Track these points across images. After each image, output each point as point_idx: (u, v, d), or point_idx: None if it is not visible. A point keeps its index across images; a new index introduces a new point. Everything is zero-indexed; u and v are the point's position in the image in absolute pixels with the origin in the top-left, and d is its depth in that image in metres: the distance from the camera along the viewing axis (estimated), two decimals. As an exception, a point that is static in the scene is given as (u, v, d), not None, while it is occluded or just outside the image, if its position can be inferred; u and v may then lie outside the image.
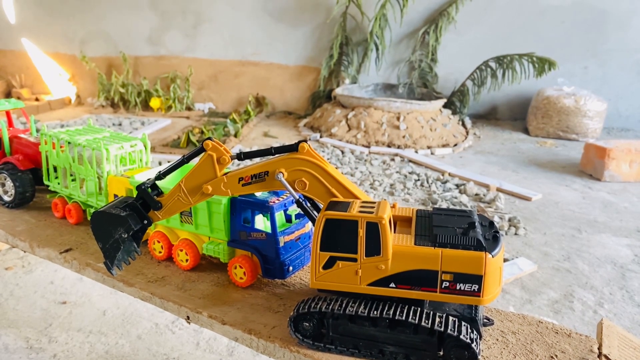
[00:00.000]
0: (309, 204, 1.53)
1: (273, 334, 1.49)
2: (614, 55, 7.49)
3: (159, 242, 1.94)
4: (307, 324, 1.40)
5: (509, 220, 4.02)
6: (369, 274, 1.33)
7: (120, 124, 7.49)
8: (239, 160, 1.57)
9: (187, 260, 1.87)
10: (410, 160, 5.85)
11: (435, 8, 7.83)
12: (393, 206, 1.52)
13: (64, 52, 9.62)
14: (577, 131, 6.95)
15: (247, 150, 5.47)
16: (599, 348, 1.44)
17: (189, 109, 8.79)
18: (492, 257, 1.25)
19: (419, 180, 5.05)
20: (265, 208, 1.67)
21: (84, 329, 2.64)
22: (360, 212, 1.32)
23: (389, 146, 6.36)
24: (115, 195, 2.05)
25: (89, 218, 2.26)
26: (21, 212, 2.42)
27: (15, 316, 2.73)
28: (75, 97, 9.65)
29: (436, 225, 1.36)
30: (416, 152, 6.18)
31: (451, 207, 4.23)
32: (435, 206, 1.76)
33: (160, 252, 1.95)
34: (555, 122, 6.99)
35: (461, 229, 1.31)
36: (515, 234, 3.81)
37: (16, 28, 9.77)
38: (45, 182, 2.38)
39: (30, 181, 2.42)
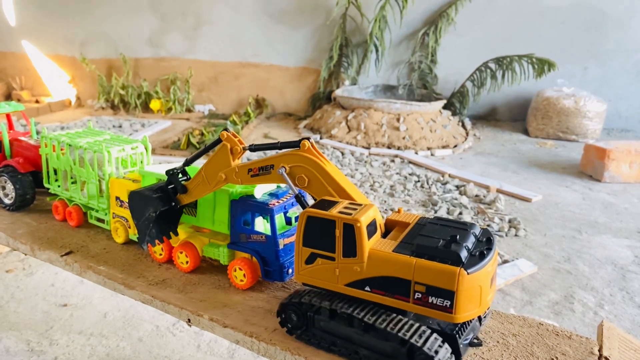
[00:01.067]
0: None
1: (274, 336, 1.49)
2: (613, 56, 7.50)
3: (159, 244, 1.94)
4: (293, 315, 1.44)
5: (509, 221, 4.02)
6: (346, 274, 1.34)
7: (120, 126, 7.50)
8: (250, 151, 1.65)
9: (187, 263, 1.87)
10: (410, 162, 5.86)
11: (434, 9, 7.84)
12: (398, 211, 1.52)
13: (64, 54, 9.63)
14: (577, 132, 6.96)
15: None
16: (600, 350, 1.45)
17: (189, 110, 8.80)
18: (468, 274, 1.19)
19: (419, 181, 5.05)
20: (265, 210, 1.67)
21: (85, 331, 2.64)
22: (341, 212, 1.33)
23: (389, 147, 6.36)
24: (117, 198, 2.06)
25: (90, 220, 2.28)
26: (22, 215, 2.42)
27: (16, 319, 2.73)
28: (75, 99, 9.66)
29: (423, 235, 1.33)
30: (416, 153, 6.18)
31: (451, 209, 4.23)
32: (439, 215, 1.74)
33: (160, 255, 1.96)
34: (555, 123, 7.00)
35: (444, 241, 1.27)
36: (516, 235, 3.82)
37: (16, 30, 9.79)
38: (46, 185, 2.38)
39: (31, 184, 2.42)
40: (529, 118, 7.33)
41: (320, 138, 6.81)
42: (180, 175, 1.78)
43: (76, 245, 2.12)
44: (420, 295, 1.24)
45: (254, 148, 1.65)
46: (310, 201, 1.57)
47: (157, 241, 1.84)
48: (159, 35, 9.10)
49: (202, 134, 6.71)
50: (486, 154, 6.30)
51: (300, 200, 1.53)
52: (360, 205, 1.38)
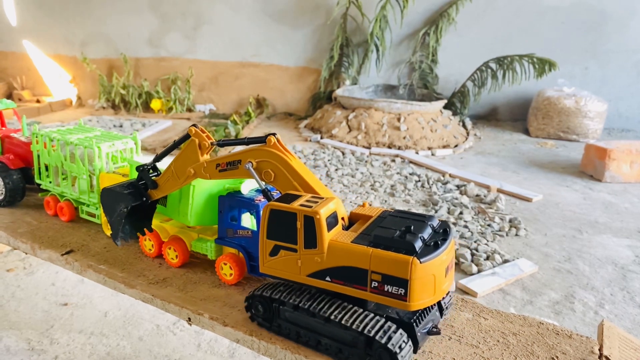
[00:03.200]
0: None
1: (274, 335, 1.50)
2: (613, 56, 7.49)
3: (149, 239, 1.99)
4: (260, 307, 1.50)
5: (510, 221, 4.02)
6: (308, 265, 1.38)
7: (121, 126, 7.50)
8: (218, 147, 1.68)
9: (176, 257, 1.91)
10: (410, 162, 5.86)
11: (435, 9, 7.84)
12: (363, 205, 1.56)
13: (65, 54, 9.63)
14: (577, 132, 6.95)
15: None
16: (600, 349, 1.45)
17: (189, 110, 8.80)
18: (421, 262, 1.23)
19: (419, 181, 5.05)
20: (251, 206, 1.71)
21: (86, 330, 2.64)
22: (302, 205, 1.37)
23: (389, 147, 6.36)
24: None
25: (81, 215, 2.31)
26: (23, 214, 2.42)
27: (17, 318, 2.73)
28: (76, 98, 9.67)
29: (382, 226, 1.37)
30: (417, 153, 6.18)
31: (452, 208, 4.23)
32: (400, 209, 1.79)
33: (150, 250, 2.00)
34: (555, 122, 7.00)
35: (400, 232, 1.31)
36: (516, 234, 3.81)
37: (17, 30, 9.79)
38: (37, 181, 2.42)
39: (21, 180, 2.46)
40: (530, 118, 7.33)
41: (321, 138, 6.81)
42: (150, 171, 1.81)
43: (77, 244, 2.12)
44: (376, 284, 1.28)
45: (221, 143, 1.68)
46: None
47: (132, 239, 1.87)
48: (159, 35, 9.10)
49: (203, 134, 6.69)
50: (487, 153, 6.30)
51: (267, 195, 1.56)
52: (321, 198, 1.42)
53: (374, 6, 7.68)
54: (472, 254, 3.43)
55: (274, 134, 1.55)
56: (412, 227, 1.32)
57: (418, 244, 1.27)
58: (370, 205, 1.60)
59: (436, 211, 4.18)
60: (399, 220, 1.40)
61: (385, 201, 4.48)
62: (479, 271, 3.22)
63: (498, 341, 1.48)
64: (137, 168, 1.81)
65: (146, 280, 1.84)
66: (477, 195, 4.65)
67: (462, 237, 3.73)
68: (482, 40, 7.74)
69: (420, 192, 4.75)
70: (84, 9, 9.24)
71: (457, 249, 3.47)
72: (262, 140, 1.57)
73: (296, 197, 1.44)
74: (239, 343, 1.55)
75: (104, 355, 2.46)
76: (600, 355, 1.42)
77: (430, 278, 1.26)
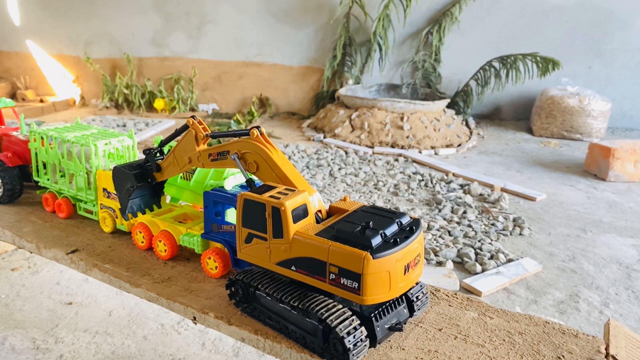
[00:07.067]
0: None
1: (280, 334, 1.50)
2: (617, 55, 7.47)
3: (140, 232, 2.04)
4: (240, 290, 1.58)
5: (514, 220, 4.01)
6: (276, 254, 1.43)
7: (124, 125, 7.51)
8: (212, 139, 1.78)
9: (165, 251, 1.96)
10: (414, 161, 5.85)
11: (438, 8, 7.83)
12: (344, 199, 1.59)
13: (68, 54, 9.66)
14: (581, 131, 6.93)
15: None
16: (606, 348, 1.44)
17: (192, 109, 8.81)
18: (374, 258, 1.25)
19: (422, 180, 5.05)
20: (234, 202, 1.73)
21: (90, 329, 2.65)
22: (272, 197, 1.41)
23: (392, 146, 6.36)
24: (104, 189, 2.15)
25: (78, 212, 2.35)
26: (27, 213, 2.43)
27: (22, 317, 2.74)
28: (79, 98, 9.69)
29: (347, 221, 1.40)
30: (420, 152, 6.17)
31: (455, 208, 4.23)
32: (376, 205, 1.81)
33: (142, 242, 2.05)
34: (559, 122, 6.98)
35: (361, 227, 1.33)
36: (520, 234, 3.81)
37: (21, 30, 9.82)
38: (35, 178, 2.44)
39: (19, 177, 2.49)
40: (533, 117, 7.31)
41: (324, 137, 6.81)
42: (157, 155, 1.93)
43: (82, 243, 2.12)
44: (334, 276, 1.32)
45: (212, 135, 1.77)
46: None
47: (139, 213, 2.00)
48: (163, 35, 9.12)
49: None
50: (490, 153, 6.28)
51: (251, 185, 1.61)
52: (293, 191, 1.46)
53: (377, 5, 7.67)
54: (476, 253, 3.42)
55: (257, 127, 1.62)
56: (372, 223, 1.34)
57: (376, 240, 1.29)
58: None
59: (440, 210, 4.18)
60: (367, 216, 1.43)
61: (389, 200, 4.48)
62: (483, 270, 3.22)
63: (504, 340, 1.48)
64: (144, 151, 1.92)
65: (151, 279, 1.85)
66: (480, 195, 4.64)
67: (466, 236, 3.72)
68: (486, 40, 7.73)
69: (423, 192, 4.75)
70: (87, 9, 9.26)
71: (461, 249, 3.46)
72: (247, 133, 1.64)
73: (271, 188, 1.48)
74: (245, 342, 1.55)
75: (109, 354, 2.47)
76: (607, 355, 1.41)
77: (385, 274, 1.28)
